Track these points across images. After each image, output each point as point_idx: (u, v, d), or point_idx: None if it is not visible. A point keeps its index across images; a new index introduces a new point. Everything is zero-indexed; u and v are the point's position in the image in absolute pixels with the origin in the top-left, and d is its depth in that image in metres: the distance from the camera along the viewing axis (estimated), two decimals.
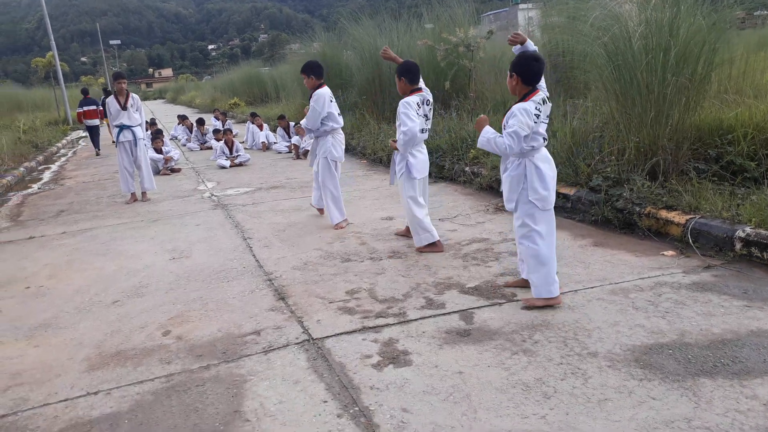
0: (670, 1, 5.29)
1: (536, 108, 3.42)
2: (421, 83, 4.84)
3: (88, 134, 15.83)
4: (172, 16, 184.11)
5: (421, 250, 4.84)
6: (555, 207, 5.75)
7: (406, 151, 4.75)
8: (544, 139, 3.54)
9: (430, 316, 3.56)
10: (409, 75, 4.71)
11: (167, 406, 2.78)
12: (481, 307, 3.65)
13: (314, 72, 5.77)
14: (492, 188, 6.58)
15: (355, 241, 5.31)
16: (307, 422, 2.57)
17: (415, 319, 3.53)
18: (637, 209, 4.84)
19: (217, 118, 16.01)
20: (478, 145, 3.69)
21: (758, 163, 4.99)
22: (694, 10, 5.26)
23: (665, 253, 4.37)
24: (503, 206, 3.84)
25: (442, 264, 4.51)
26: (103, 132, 15.68)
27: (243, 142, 12.98)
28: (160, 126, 14.95)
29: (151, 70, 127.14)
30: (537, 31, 9.59)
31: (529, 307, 3.57)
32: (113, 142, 8.11)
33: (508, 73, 3.55)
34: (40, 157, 13.85)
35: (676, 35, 5.15)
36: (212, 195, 8.10)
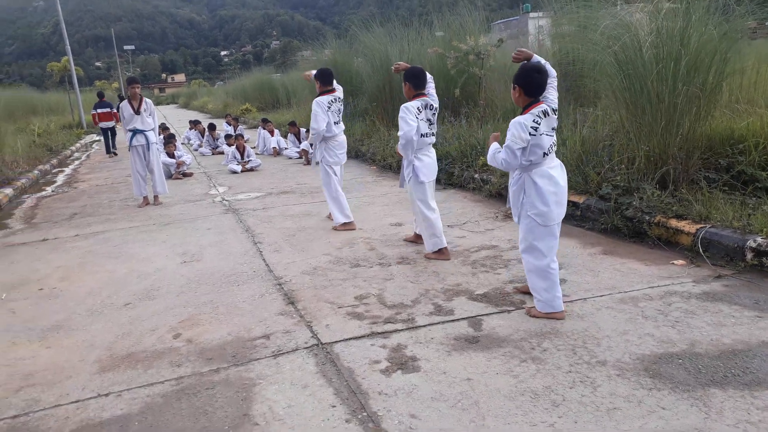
0: (681, 10, 5.28)
1: (534, 121, 3.38)
2: (430, 89, 4.87)
3: (102, 137, 16.24)
4: (186, 22, 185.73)
5: (429, 257, 4.86)
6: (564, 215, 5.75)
7: (406, 155, 4.79)
8: (545, 153, 3.44)
9: (438, 323, 3.56)
10: (414, 80, 4.75)
11: (177, 409, 2.81)
12: (490, 314, 3.65)
13: (319, 78, 5.97)
14: (501, 195, 6.58)
15: (364, 246, 5.33)
16: (315, 427, 2.58)
17: (424, 326, 3.54)
18: (647, 218, 4.83)
19: (228, 123, 16.14)
20: (488, 161, 3.68)
21: None
22: (706, 20, 5.25)
23: (675, 262, 4.35)
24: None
25: (450, 270, 4.51)
26: (119, 135, 15.92)
27: (254, 148, 13.06)
28: (171, 131, 15.08)
29: (164, 75, 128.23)
30: (547, 40, 9.60)
31: (533, 316, 3.57)
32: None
33: (512, 85, 3.54)
34: (54, 161, 14.01)
35: (687, 44, 5.14)
36: (223, 199, 8.16)
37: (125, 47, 76.06)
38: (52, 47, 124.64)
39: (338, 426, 2.57)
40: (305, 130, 11.82)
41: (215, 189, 9.14)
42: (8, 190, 9.39)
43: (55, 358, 3.45)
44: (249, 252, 5.40)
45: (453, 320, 3.59)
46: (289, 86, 20.74)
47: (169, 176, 10.09)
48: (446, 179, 7.90)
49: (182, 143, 14.44)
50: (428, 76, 4.93)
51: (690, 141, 5.27)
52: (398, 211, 6.67)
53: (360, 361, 3.15)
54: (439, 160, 8.13)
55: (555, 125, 3.50)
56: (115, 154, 15.30)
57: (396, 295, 4.06)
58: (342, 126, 6.12)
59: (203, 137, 15.00)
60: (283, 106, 21.33)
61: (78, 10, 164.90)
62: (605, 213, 5.19)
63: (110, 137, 15.70)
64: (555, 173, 3.50)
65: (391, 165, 9.33)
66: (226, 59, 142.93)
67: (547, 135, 3.43)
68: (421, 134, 4.73)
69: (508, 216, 5.95)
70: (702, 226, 4.48)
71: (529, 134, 3.38)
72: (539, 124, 3.39)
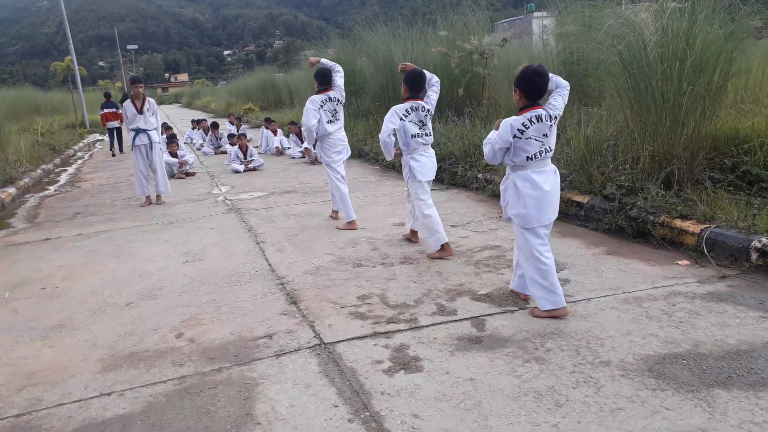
0: (687, 10, 5.26)
1: (523, 123, 3.40)
2: (433, 90, 4.96)
3: (108, 136, 16.55)
4: (189, 21, 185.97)
5: (432, 256, 4.85)
6: (568, 215, 5.76)
7: (387, 156, 4.95)
8: (529, 157, 3.44)
9: (441, 323, 3.55)
10: (409, 83, 4.89)
11: (179, 408, 2.80)
12: (493, 314, 3.64)
13: (316, 78, 6.12)
14: None
15: (367, 246, 5.32)
16: (318, 426, 2.57)
17: (427, 326, 3.52)
18: (651, 218, 4.81)
19: (231, 122, 16.15)
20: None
21: None
22: (712, 19, 5.23)
23: (679, 262, 4.33)
24: None
25: (453, 270, 4.50)
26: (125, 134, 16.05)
27: (257, 147, 13.07)
28: (174, 130, 15.12)
29: (167, 74, 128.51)
30: (551, 39, 9.58)
31: (536, 316, 3.56)
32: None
33: (513, 87, 3.56)
34: (57, 160, 14.03)
35: (693, 44, 5.12)
36: (226, 199, 8.16)
37: (128, 47, 76.29)
38: (56, 47, 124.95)
39: (341, 426, 2.56)
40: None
41: (218, 188, 9.14)
42: (11, 190, 9.41)
43: (57, 358, 3.45)
44: (251, 251, 5.40)
45: (456, 320, 3.58)
46: (292, 86, 20.75)
47: (171, 176, 10.10)
48: (449, 179, 7.88)
49: (185, 142, 14.47)
50: (433, 77, 5.00)
51: (695, 141, 5.25)
52: (401, 210, 6.65)
53: (363, 361, 3.14)
54: (442, 159, 8.20)
55: (548, 132, 3.45)
56: (114, 155, 15.44)
57: (399, 295, 4.05)
58: (337, 126, 6.13)
59: (207, 135, 15.03)
60: (286, 106, 21.34)
61: (82, 10, 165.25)
62: (609, 213, 5.17)
63: (116, 137, 15.90)
64: (538, 178, 3.49)
65: (394, 165, 9.32)
66: (229, 59, 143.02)
67: (535, 140, 3.43)
68: (412, 135, 4.84)
69: None
70: (707, 226, 4.45)
71: (514, 136, 3.41)
72: (527, 128, 3.40)
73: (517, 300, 3.83)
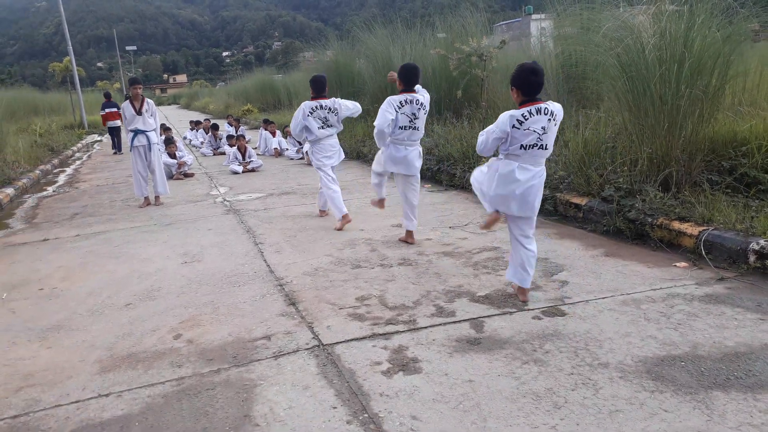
0: (685, 13, 5.27)
1: (522, 115, 3.48)
2: (419, 88, 5.14)
3: (109, 135, 17.04)
4: (188, 23, 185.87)
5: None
6: (566, 216, 5.78)
7: (380, 144, 5.24)
8: (523, 146, 3.50)
9: (440, 324, 3.55)
10: (403, 77, 5.06)
11: (177, 410, 2.80)
12: (492, 315, 3.64)
13: (312, 85, 6.31)
14: None
15: (365, 247, 5.33)
16: (316, 428, 2.57)
17: (425, 327, 3.52)
18: (650, 220, 4.81)
19: (230, 124, 16.15)
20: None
21: None
22: (709, 23, 5.24)
23: (678, 264, 4.34)
24: None
25: (452, 272, 4.50)
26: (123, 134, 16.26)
27: (256, 148, 13.06)
28: (173, 132, 15.13)
29: (165, 75, 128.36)
30: (550, 42, 9.59)
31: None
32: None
33: (510, 85, 3.64)
34: (56, 161, 14.02)
35: (691, 47, 5.13)
36: (224, 200, 8.16)
37: (127, 48, 76.22)
38: (54, 47, 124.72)
39: (339, 427, 2.56)
40: None
41: (216, 189, 9.13)
42: (10, 190, 9.39)
43: (55, 358, 3.44)
44: (250, 253, 5.39)
45: (455, 322, 3.58)
46: (291, 87, 20.76)
47: (170, 177, 10.09)
48: (448, 180, 7.89)
49: (184, 136, 14.48)
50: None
51: (693, 143, 5.26)
52: (400, 212, 6.63)
53: (361, 362, 3.14)
54: (440, 161, 8.20)
55: (547, 126, 3.49)
56: (120, 152, 15.70)
57: (397, 297, 4.05)
58: (328, 132, 6.23)
59: (207, 134, 15.06)
60: (284, 107, 21.33)
61: (80, 11, 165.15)
62: (608, 215, 5.18)
63: (117, 136, 16.30)
64: (520, 174, 3.56)
65: None
66: (227, 60, 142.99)
67: (533, 131, 3.48)
68: (399, 126, 5.02)
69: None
70: (705, 228, 4.46)
71: (512, 126, 3.49)
72: (526, 119, 3.47)
73: (516, 301, 3.83)
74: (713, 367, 2.86)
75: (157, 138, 8.22)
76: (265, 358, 3.25)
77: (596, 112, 6.79)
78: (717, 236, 4.33)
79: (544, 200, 6.01)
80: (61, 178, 11.84)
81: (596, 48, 6.21)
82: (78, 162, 14.83)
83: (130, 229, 6.73)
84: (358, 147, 10.87)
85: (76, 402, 2.93)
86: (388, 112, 4.93)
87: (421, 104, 5.05)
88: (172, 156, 10.69)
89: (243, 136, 12.05)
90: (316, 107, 6.15)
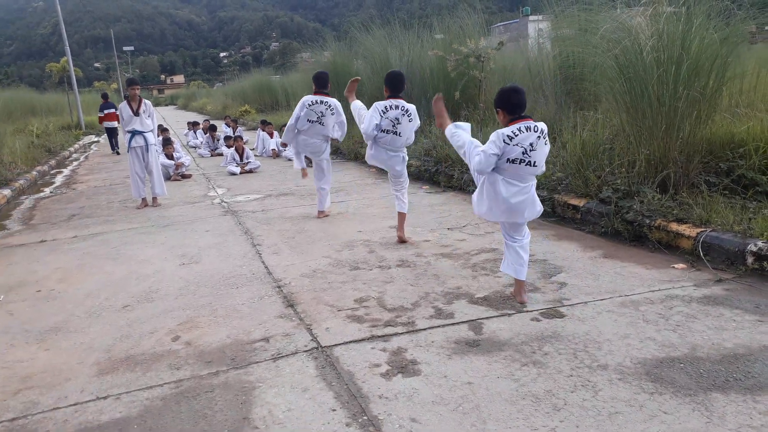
0: (683, 14, 5.29)
1: (512, 131, 3.52)
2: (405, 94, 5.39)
3: (107, 136, 17.14)
4: (185, 23, 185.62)
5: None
6: (564, 218, 5.79)
7: (367, 142, 5.42)
8: (510, 160, 3.54)
9: (438, 326, 3.55)
10: (388, 83, 5.28)
11: (176, 412, 2.79)
12: (491, 317, 3.64)
13: (314, 80, 6.47)
14: None
15: (363, 249, 5.32)
16: (315, 430, 2.56)
17: (424, 329, 3.52)
18: (648, 221, 4.82)
19: (228, 125, 16.13)
20: (465, 157, 3.83)
21: None
22: (707, 24, 5.25)
23: (676, 266, 4.35)
24: None
25: (451, 274, 4.50)
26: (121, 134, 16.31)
27: (253, 149, 13.05)
28: (170, 134, 15.12)
29: (163, 76, 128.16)
30: (547, 43, 9.60)
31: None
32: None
33: (495, 109, 3.72)
34: (53, 161, 13.99)
35: (689, 49, 5.14)
36: (222, 201, 8.14)
37: (124, 48, 76.01)
38: (51, 48, 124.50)
39: (338, 429, 2.56)
40: None
41: (214, 191, 9.12)
42: (6, 191, 9.36)
43: (53, 361, 3.43)
44: (248, 254, 5.38)
45: (453, 324, 3.58)
46: (289, 88, 20.72)
47: (167, 178, 10.07)
48: (446, 182, 7.89)
49: (182, 145, 14.45)
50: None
51: (690, 145, 5.27)
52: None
53: (360, 364, 3.13)
54: (437, 162, 8.20)
55: (535, 143, 3.52)
56: (118, 153, 15.73)
57: (396, 298, 4.05)
58: (323, 127, 6.39)
59: (205, 135, 15.05)
60: (282, 108, 21.31)
61: (77, 11, 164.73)
62: (606, 216, 5.18)
63: (114, 137, 16.39)
64: (504, 188, 3.62)
65: None
66: (225, 60, 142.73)
67: (521, 147, 3.51)
68: (382, 129, 5.20)
69: None
70: (703, 229, 4.47)
71: (504, 142, 3.53)
72: (516, 136, 3.52)
73: (515, 303, 3.83)
74: (712, 369, 2.86)
75: (154, 139, 8.21)
76: (264, 360, 3.25)
77: (594, 114, 6.80)
78: (715, 238, 4.34)
79: (541, 201, 6.04)
80: (59, 179, 11.81)
81: (594, 49, 6.22)
82: (75, 163, 14.80)
83: (127, 230, 6.72)
84: (356, 148, 10.86)
85: (75, 404, 2.92)
86: (373, 117, 5.17)
87: (406, 110, 5.20)
88: (170, 157, 10.67)
89: (240, 137, 12.03)
90: (315, 102, 6.29)
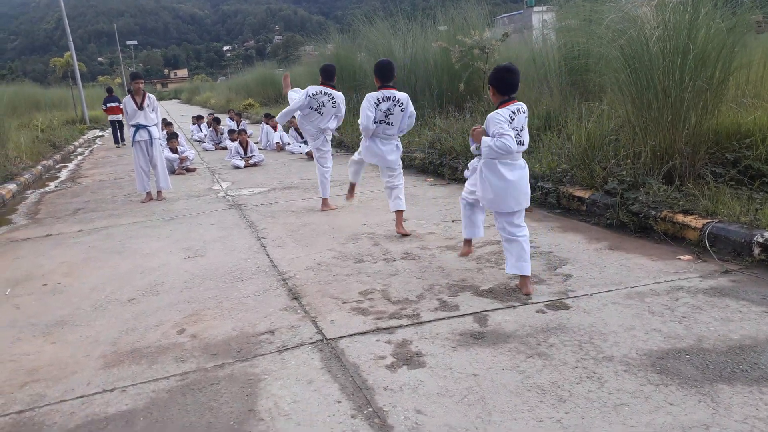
0: (689, 4, 5.24)
1: (508, 115, 3.61)
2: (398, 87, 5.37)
3: (111, 130, 17.48)
4: (188, 17, 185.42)
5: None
6: (570, 210, 5.77)
7: (365, 136, 5.49)
8: None
9: (443, 318, 3.55)
10: (378, 73, 5.28)
11: (182, 404, 2.80)
12: (495, 309, 3.64)
13: (321, 73, 6.58)
14: None
15: (368, 242, 5.32)
16: (321, 422, 2.57)
17: (429, 321, 3.52)
18: (653, 213, 4.80)
19: (231, 118, 16.13)
20: (484, 157, 3.74)
21: None
22: (713, 14, 5.21)
23: (682, 257, 4.33)
24: None
25: (455, 266, 4.50)
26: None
27: (257, 143, 13.06)
28: (174, 126, 15.14)
29: (166, 70, 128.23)
30: (552, 34, 9.55)
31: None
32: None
33: (487, 85, 3.78)
34: (58, 156, 14.03)
35: (695, 39, 5.10)
36: (227, 195, 8.15)
37: (128, 42, 76.14)
38: (55, 42, 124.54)
39: (344, 421, 2.56)
40: None
41: (218, 184, 9.13)
42: (12, 186, 9.40)
43: (59, 354, 3.45)
44: (253, 247, 5.39)
45: (458, 316, 3.57)
46: (292, 81, 20.68)
47: (172, 171, 10.09)
48: (450, 174, 7.87)
49: (186, 139, 14.47)
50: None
51: (696, 135, 5.23)
52: None
53: (365, 356, 3.13)
54: (442, 154, 8.17)
55: (524, 125, 3.71)
56: (124, 145, 16.09)
57: (401, 291, 4.05)
58: (321, 117, 6.53)
59: (209, 128, 15.08)
60: (285, 101, 21.27)
61: (80, 6, 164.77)
62: (611, 208, 5.16)
63: (118, 129, 16.68)
64: (503, 169, 3.69)
65: None
66: (228, 54, 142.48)
67: (515, 129, 3.63)
68: (375, 120, 5.25)
69: None
70: (709, 221, 4.45)
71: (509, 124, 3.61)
72: (512, 120, 3.62)
73: (519, 295, 3.82)
74: (718, 360, 2.85)
75: (158, 133, 8.22)
76: (269, 353, 3.25)
77: (599, 105, 6.76)
78: (721, 229, 4.32)
79: (546, 193, 6.04)
80: (63, 174, 11.84)
81: (599, 40, 6.18)
82: (80, 157, 14.83)
83: (132, 224, 6.73)
84: (360, 140, 10.83)
85: (81, 397, 2.93)
86: (368, 110, 5.22)
87: (398, 100, 5.22)
88: (174, 151, 10.68)
89: (245, 131, 12.03)
90: (319, 92, 6.41)
